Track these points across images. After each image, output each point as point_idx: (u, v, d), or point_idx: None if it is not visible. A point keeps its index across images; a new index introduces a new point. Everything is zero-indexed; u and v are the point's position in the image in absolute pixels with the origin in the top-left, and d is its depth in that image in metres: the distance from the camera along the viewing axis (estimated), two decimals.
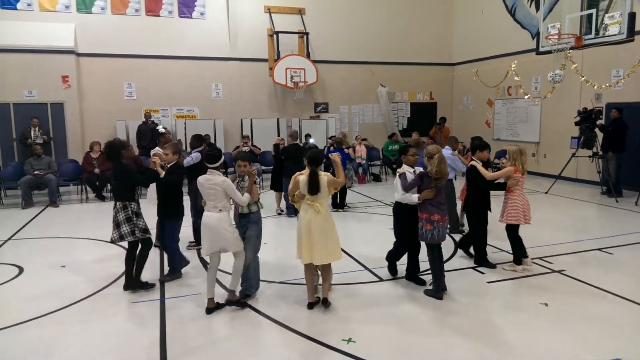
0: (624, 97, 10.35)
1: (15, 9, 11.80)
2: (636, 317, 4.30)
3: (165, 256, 5.59)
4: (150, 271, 5.54)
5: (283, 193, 8.47)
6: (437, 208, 4.65)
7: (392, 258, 5.32)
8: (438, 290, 4.71)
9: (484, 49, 14.52)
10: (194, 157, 6.31)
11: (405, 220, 4.96)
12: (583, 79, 9.70)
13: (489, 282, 5.17)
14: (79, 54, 12.32)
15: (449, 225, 5.29)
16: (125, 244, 5.13)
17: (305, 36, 14.07)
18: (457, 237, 6.57)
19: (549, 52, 10.05)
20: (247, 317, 4.40)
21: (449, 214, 5.13)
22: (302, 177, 4.45)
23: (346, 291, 4.93)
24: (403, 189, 4.78)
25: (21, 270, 5.79)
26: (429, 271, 4.88)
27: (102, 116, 12.58)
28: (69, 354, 3.77)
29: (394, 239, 5.27)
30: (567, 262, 5.75)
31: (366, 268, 5.66)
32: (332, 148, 9.99)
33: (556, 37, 9.71)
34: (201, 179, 4.47)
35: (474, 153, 5.72)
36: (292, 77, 13.57)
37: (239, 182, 4.58)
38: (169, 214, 5.28)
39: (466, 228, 6.44)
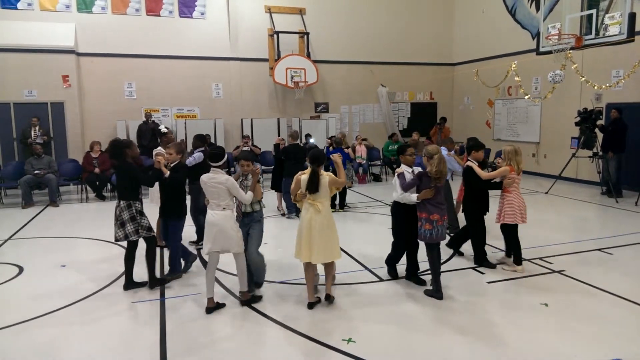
0: (624, 97, 10.35)
1: (16, 8, 11.81)
2: (636, 317, 4.30)
3: (166, 256, 5.59)
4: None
5: (283, 193, 8.46)
6: (437, 208, 4.66)
7: (391, 261, 5.33)
8: (438, 290, 4.71)
9: (484, 49, 14.52)
10: (197, 157, 6.32)
11: (403, 220, 4.99)
12: (583, 79, 9.70)
13: (488, 282, 5.17)
14: (79, 54, 12.33)
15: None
16: (125, 243, 5.14)
17: (305, 36, 14.07)
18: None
19: (549, 52, 10.04)
20: (248, 317, 4.41)
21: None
22: (303, 176, 4.49)
23: (346, 291, 4.93)
24: (402, 189, 4.79)
25: (21, 269, 5.79)
26: (429, 271, 4.88)
27: (102, 116, 12.59)
28: (69, 354, 3.77)
29: (392, 239, 5.28)
30: (567, 262, 5.75)
31: (366, 268, 5.66)
32: (331, 148, 9.99)
33: (556, 37, 9.70)
34: (204, 178, 4.49)
35: (469, 153, 5.74)
36: (292, 77, 13.57)
37: (242, 181, 4.61)
38: (173, 214, 5.30)
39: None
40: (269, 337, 4.02)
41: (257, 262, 4.79)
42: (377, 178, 12.87)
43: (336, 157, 4.58)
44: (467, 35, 15.53)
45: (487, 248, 5.79)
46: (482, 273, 5.44)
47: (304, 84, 13.65)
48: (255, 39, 13.81)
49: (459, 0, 15.87)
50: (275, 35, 13.74)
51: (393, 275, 5.31)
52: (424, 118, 15.60)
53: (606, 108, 10.63)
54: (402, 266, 5.30)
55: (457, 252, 6.03)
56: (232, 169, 8.01)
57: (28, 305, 4.68)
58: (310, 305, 4.51)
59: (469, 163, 5.56)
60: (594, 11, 9.83)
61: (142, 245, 5.13)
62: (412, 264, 5.17)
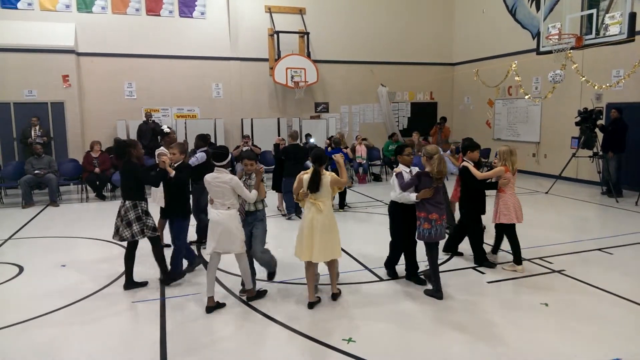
0: (624, 97, 10.35)
1: (16, 8, 11.81)
2: (636, 317, 4.30)
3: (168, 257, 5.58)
4: (151, 270, 5.55)
5: (283, 193, 8.45)
6: (436, 207, 4.68)
7: (390, 262, 5.35)
8: (438, 290, 4.71)
9: (484, 49, 14.52)
10: (199, 157, 6.32)
11: (401, 220, 5.01)
12: (583, 79, 9.69)
13: (489, 282, 5.17)
14: (79, 54, 12.33)
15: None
16: (125, 243, 5.14)
17: (305, 36, 14.07)
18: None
19: (550, 52, 10.04)
20: (248, 316, 4.41)
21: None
22: (305, 175, 4.52)
23: (346, 291, 4.93)
24: (400, 188, 4.81)
25: (21, 269, 5.79)
26: (428, 269, 4.88)
27: (102, 116, 12.59)
28: (69, 354, 3.77)
29: (391, 240, 5.29)
30: (568, 262, 5.75)
31: (366, 268, 5.66)
32: (329, 149, 9.98)
33: (557, 37, 9.70)
34: (208, 177, 4.49)
35: (464, 154, 5.78)
36: (292, 77, 13.56)
37: (245, 180, 4.63)
38: (178, 213, 5.31)
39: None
40: (269, 337, 4.02)
41: (264, 260, 4.85)
42: (377, 178, 12.87)
43: (338, 157, 4.61)
44: (467, 35, 15.53)
45: (485, 247, 5.79)
46: (482, 273, 5.44)
47: (304, 84, 13.64)
48: (255, 38, 13.81)
49: (459, 0, 15.86)
50: (275, 35, 13.74)
51: (393, 275, 5.32)
52: (424, 118, 15.60)
53: (606, 108, 10.63)
54: (401, 266, 5.30)
55: (456, 253, 6.02)
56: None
57: (28, 305, 4.68)
58: (311, 305, 4.51)
59: (464, 163, 5.58)
60: (594, 11, 9.83)
61: (141, 245, 5.14)
62: (411, 264, 5.17)
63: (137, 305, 4.67)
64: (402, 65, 15.50)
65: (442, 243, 5.81)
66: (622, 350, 3.68)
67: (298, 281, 5.16)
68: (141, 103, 13.04)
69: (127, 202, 4.88)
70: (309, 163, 11.04)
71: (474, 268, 5.59)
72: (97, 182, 10.31)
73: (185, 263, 5.52)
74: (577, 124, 10.24)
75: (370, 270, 5.56)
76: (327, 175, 4.46)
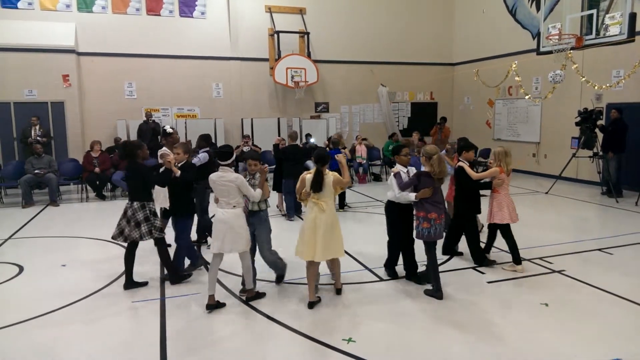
0: (625, 97, 10.35)
1: (16, 8, 11.81)
2: (636, 317, 4.30)
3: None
4: (151, 270, 5.56)
5: (284, 194, 8.43)
6: (435, 206, 4.71)
7: (390, 263, 5.37)
8: (438, 289, 4.72)
9: (484, 49, 14.52)
10: (202, 157, 6.32)
11: (397, 218, 5.06)
12: (583, 79, 9.69)
13: (489, 282, 5.17)
14: (79, 53, 12.33)
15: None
16: (125, 243, 5.15)
17: (305, 36, 14.06)
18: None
19: (550, 52, 10.04)
20: (248, 316, 4.41)
21: None
22: (308, 175, 4.54)
23: (346, 291, 4.93)
24: (399, 188, 4.84)
25: (21, 269, 5.79)
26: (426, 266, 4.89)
27: (102, 115, 12.59)
28: (69, 354, 3.77)
29: (388, 239, 5.32)
30: (568, 262, 5.75)
31: (366, 268, 5.66)
32: (327, 149, 9.96)
33: (557, 37, 9.70)
34: (214, 177, 4.51)
35: (460, 154, 5.82)
36: (292, 77, 13.56)
37: (249, 179, 4.65)
38: (182, 212, 5.35)
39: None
40: (270, 337, 4.02)
41: (271, 260, 4.90)
42: (377, 178, 12.87)
43: (340, 158, 4.66)
44: (467, 35, 15.52)
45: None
46: (483, 273, 5.44)
47: (304, 84, 13.64)
48: (255, 38, 13.81)
49: (459, 0, 15.86)
50: (275, 35, 13.74)
51: (393, 275, 5.32)
52: (424, 118, 15.60)
53: (606, 108, 10.63)
54: (401, 266, 5.30)
55: (456, 253, 6.03)
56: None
57: (28, 305, 4.68)
58: (311, 305, 4.52)
59: (460, 163, 5.63)
60: (594, 11, 9.83)
61: (141, 246, 5.15)
62: (410, 264, 5.19)
63: (137, 305, 4.67)
64: (402, 65, 15.50)
65: (440, 245, 5.86)
66: (622, 350, 3.68)
67: (298, 281, 5.16)
68: (141, 103, 13.04)
69: (134, 203, 4.90)
70: (309, 163, 11.09)
71: (474, 268, 5.59)
72: (97, 182, 10.32)
73: (187, 262, 5.53)
74: (577, 124, 10.24)
75: (370, 270, 5.56)
76: (330, 175, 4.49)
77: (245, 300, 4.67)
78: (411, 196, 4.74)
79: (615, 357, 3.57)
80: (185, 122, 12.91)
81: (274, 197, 8.92)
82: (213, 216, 4.69)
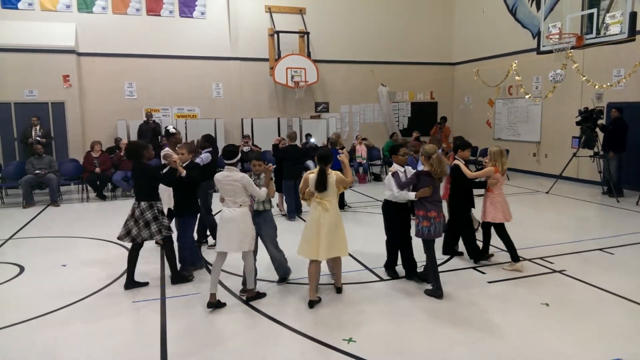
0: (625, 96, 10.34)
1: (17, 8, 11.81)
2: (636, 317, 4.30)
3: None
4: (152, 270, 5.56)
5: (284, 195, 8.43)
6: (434, 205, 4.75)
7: (390, 263, 5.39)
8: (438, 288, 4.73)
9: (484, 49, 14.51)
10: (204, 157, 6.32)
11: (395, 217, 5.12)
12: (584, 78, 9.69)
13: (489, 282, 5.17)
14: (79, 54, 12.33)
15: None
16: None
17: (305, 36, 14.06)
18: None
19: (550, 51, 10.04)
20: (248, 316, 4.41)
21: None
22: (312, 175, 4.57)
23: (346, 291, 4.93)
24: (399, 187, 4.87)
25: (22, 269, 5.80)
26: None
27: (102, 116, 12.59)
28: (70, 354, 3.77)
29: (386, 239, 5.36)
30: (568, 262, 5.75)
31: (366, 268, 5.66)
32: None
33: (557, 36, 9.70)
34: (219, 176, 4.53)
35: (456, 152, 5.86)
36: (292, 77, 13.56)
37: (255, 180, 4.69)
38: (186, 212, 5.38)
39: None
40: (270, 337, 4.02)
41: (278, 258, 4.96)
42: (377, 178, 12.86)
43: (343, 157, 4.73)
44: (467, 35, 15.51)
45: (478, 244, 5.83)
46: (483, 273, 5.44)
47: (304, 84, 13.64)
48: (255, 38, 13.81)
49: (459, 0, 15.88)
50: (275, 35, 13.73)
51: (393, 275, 5.33)
52: (425, 118, 15.59)
53: (607, 107, 10.61)
54: (401, 266, 5.30)
55: (456, 253, 6.04)
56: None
57: (28, 305, 4.69)
58: (311, 304, 4.52)
59: (455, 162, 5.68)
60: (594, 10, 9.82)
61: (144, 246, 5.15)
62: (409, 262, 5.21)
63: (137, 305, 4.67)
64: (403, 65, 15.49)
65: (440, 245, 5.88)
66: (622, 350, 3.68)
67: (298, 281, 5.16)
68: (141, 103, 13.04)
69: (142, 203, 4.92)
70: (309, 163, 11.08)
71: (474, 268, 5.59)
72: (98, 182, 10.32)
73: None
74: (577, 123, 10.23)
75: (370, 270, 5.57)
76: (333, 175, 4.53)
77: (245, 300, 4.68)
78: (411, 195, 4.78)
79: (616, 357, 3.56)
80: (186, 122, 12.91)
81: (274, 197, 8.94)
82: (219, 212, 4.69)
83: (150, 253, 5.86)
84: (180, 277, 5.24)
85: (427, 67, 15.79)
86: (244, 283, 4.78)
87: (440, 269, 5.43)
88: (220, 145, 12.57)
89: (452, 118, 16.10)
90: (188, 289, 5.07)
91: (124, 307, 4.64)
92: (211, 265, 5.57)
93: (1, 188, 10.35)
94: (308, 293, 4.64)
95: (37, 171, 9.80)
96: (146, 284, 5.14)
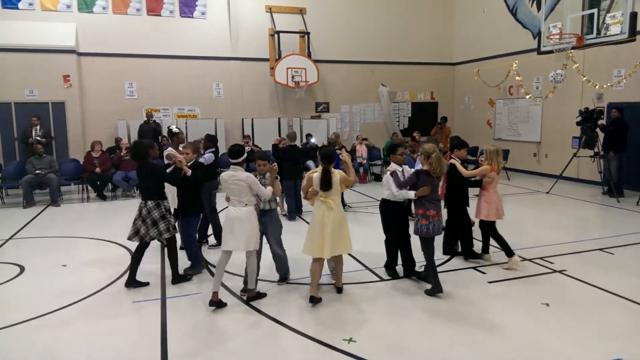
0: (626, 97, 10.33)
1: (17, 8, 11.82)
2: (636, 317, 4.30)
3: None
4: (153, 269, 5.56)
5: (284, 194, 8.42)
6: (433, 204, 4.79)
7: (390, 264, 5.41)
8: (437, 284, 4.76)
9: (485, 49, 14.51)
10: (207, 157, 6.33)
11: (393, 216, 5.18)
12: (584, 78, 9.68)
13: (489, 282, 5.17)
14: (80, 54, 12.33)
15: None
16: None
17: (306, 36, 14.06)
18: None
19: (551, 51, 10.03)
20: (248, 316, 4.41)
21: None
22: (315, 174, 4.62)
23: (347, 291, 4.93)
24: (398, 186, 4.90)
25: (22, 269, 5.80)
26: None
27: (103, 116, 12.60)
28: (70, 354, 3.77)
29: (385, 238, 5.38)
30: (569, 262, 5.75)
31: (367, 268, 5.66)
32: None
33: (557, 36, 9.69)
34: (225, 175, 4.54)
35: (452, 152, 5.89)
36: (293, 77, 13.55)
37: (260, 179, 4.71)
38: (190, 212, 5.41)
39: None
40: (270, 337, 4.02)
41: (281, 256, 5.00)
42: (377, 178, 12.86)
43: (345, 157, 4.76)
44: (467, 35, 15.51)
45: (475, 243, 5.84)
46: (483, 273, 5.44)
47: (304, 84, 13.64)
48: (256, 38, 13.81)
49: (459, 0, 15.85)
50: (275, 35, 13.73)
51: (393, 275, 5.33)
52: (425, 118, 15.58)
53: (607, 108, 10.61)
54: (401, 266, 5.31)
55: (457, 253, 6.05)
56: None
57: (29, 305, 4.69)
58: (312, 299, 4.54)
59: (451, 160, 5.71)
60: (595, 10, 9.82)
61: (150, 245, 5.16)
62: (408, 260, 5.25)
63: (138, 305, 4.67)
64: (403, 65, 15.48)
65: (440, 246, 5.88)
66: (622, 350, 3.68)
67: (299, 281, 5.16)
68: (142, 103, 13.04)
69: (149, 202, 4.95)
70: (309, 163, 11.08)
71: (474, 268, 5.59)
72: (98, 182, 10.33)
73: (188, 263, 5.54)
74: (578, 123, 10.23)
75: (370, 270, 5.57)
76: (336, 174, 4.58)
77: (246, 300, 4.68)
78: (410, 194, 4.82)
79: (616, 357, 3.56)
80: (186, 122, 12.90)
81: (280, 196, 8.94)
82: (224, 209, 4.70)
83: (152, 252, 5.86)
84: (181, 277, 5.24)
85: (427, 67, 15.79)
86: (245, 282, 4.78)
87: (440, 269, 5.45)
88: (221, 145, 12.60)
89: (453, 118, 16.10)
90: (188, 289, 5.07)
91: (124, 307, 4.64)
92: (211, 265, 5.61)
93: (1, 188, 10.35)
94: (308, 293, 4.64)
95: (37, 171, 9.80)
96: (147, 284, 5.14)
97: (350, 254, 6.03)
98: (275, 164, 4.90)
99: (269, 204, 4.85)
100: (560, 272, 5.43)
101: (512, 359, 3.60)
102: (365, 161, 12.44)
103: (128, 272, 5.13)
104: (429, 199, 4.77)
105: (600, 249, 6.26)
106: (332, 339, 3.91)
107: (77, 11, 12.31)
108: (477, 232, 5.97)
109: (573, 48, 9.56)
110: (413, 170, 5.10)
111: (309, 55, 13.97)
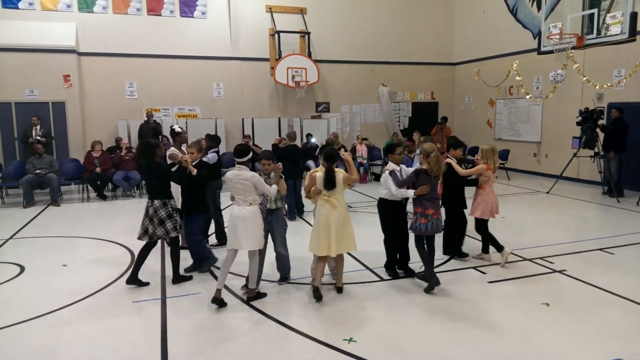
0: (626, 97, 10.33)
1: (17, 8, 11.82)
2: (636, 317, 4.30)
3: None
4: (154, 268, 5.56)
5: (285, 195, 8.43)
6: (432, 203, 4.83)
7: (390, 264, 5.43)
8: (432, 276, 4.82)
9: (485, 49, 14.50)
10: (211, 157, 6.33)
11: (391, 215, 5.20)
12: (584, 78, 9.68)
13: (489, 282, 5.17)
14: (80, 53, 12.34)
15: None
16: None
17: (306, 36, 14.06)
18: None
19: (551, 51, 10.03)
20: (249, 316, 4.41)
21: None
22: (318, 173, 4.65)
23: (347, 291, 4.93)
24: (397, 185, 4.93)
25: (22, 269, 5.80)
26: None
27: (103, 115, 12.59)
28: (70, 354, 3.78)
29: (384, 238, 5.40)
30: (569, 262, 5.74)
31: (367, 267, 5.67)
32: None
33: (558, 36, 9.69)
34: (230, 175, 4.56)
35: (448, 151, 5.94)
36: (293, 77, 13.55)
37: (265, 179, 4.72)
38: (194, 211, 5.42)
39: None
40: (270, 337, 4.02)
41: (284, 256, 5.03)
42: (378, 178, 12.83)
43: (347, 156, 4.78)
44: (467, 35, 15.51)
45: (475, 243, 5.81)
46: (483, 273, 5.44)
47: (305, 84, 13.64)
48: (256, 38, 13.81)
49: (459, 0, 15.85)
50: (276, 35, 13.73)
51: (393, 276, 5.34)
52: (425, 118, 15.57)
53: (607, 108, 10.61)
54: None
55: (463, 255, 6.03)
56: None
57: (29, 305, 4.69)
58: (315, 290, 4.60)
59: (448, 160, 5.73)
60: (595, 10, 9.82)
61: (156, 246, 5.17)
62: (404, 256, 5.34)
63: (138, 305, 4.67)
64: (403, 65, 15.48)
65: (440, 246, 5.89)
66: (622, 350, 3.68)
67: (299, 281, 5.16)
68: (142, 103, 13.04)
69: (155, 201, 4.97)
70: (310, 163, 11.06)
71: (474, 268, 5.59)
72: (98, 182, 10.33)
73: (189, 262, 5.56)
74: (578, 123, 10.23)
75: (370, 270, 5.57)
76: (339, 173, 4.61)
77: (246, 300, 4.68)
78: (409, 193, 4.85)
79: (616, 357, 3.56)
80: (186, 122, 12.90)
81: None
82: (228, 206, 4.71)
83: (153, 252, 5.83)
84: (181, 277, 5.25)
85: (427, 67, 15.79)
86: (247, 280, 4.78)
87: (440, 269, 5.47)
88: (221, 145, 12.58)
89: (453, 118, 16.09)
90: (189, 289, 5.07)
91: (124, 307, 4.64)
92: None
93: (2, 188, 10.36)
94: (309, 292, 4.65)
95: (37, 171, 9.80)
96: (147, 284, 5.14)
97: (350, 254, 6.04)
98: (279, 163, 4.91)
99: (275, 202, 4.88)
100: (560, 272, 5.43)
101: (512, 358, 3.60)
102: (365, 161, 12.44)
103: (131, 269, 5.13)
104: (428, 197, 4.81)
105: (600, 249, 6.26)
106: (332, 338, 3.91)
107: (77, 11, 12.31)
108: (473, 232, 5.96)
109: (573, 48, 9.55)
110: (410, 169, 5.13)
111: (309, 55, 13.97)
